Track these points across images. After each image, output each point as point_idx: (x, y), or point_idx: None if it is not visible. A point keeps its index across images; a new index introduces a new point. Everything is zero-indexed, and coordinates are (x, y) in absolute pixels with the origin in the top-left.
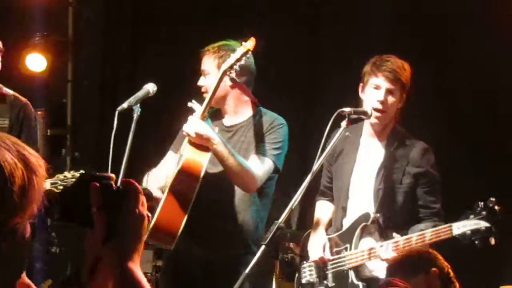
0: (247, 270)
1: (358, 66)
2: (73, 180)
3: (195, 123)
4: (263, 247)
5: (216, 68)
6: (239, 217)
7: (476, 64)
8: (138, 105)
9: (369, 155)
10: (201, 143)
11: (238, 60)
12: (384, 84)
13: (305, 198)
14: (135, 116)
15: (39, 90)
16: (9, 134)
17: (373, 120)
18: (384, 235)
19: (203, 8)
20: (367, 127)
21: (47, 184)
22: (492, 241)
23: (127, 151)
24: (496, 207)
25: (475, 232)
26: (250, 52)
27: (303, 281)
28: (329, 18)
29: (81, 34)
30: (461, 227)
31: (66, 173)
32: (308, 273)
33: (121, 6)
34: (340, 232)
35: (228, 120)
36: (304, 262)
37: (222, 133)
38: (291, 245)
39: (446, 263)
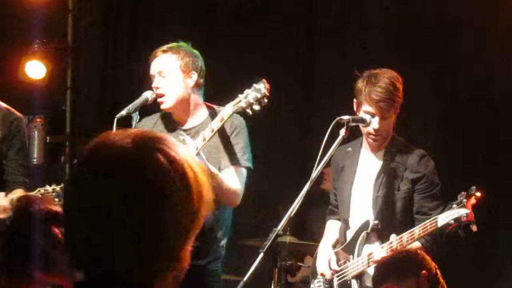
0: (245, 278)
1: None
2: (54, 193)
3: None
4: (261, 254)
5: (179, 70)
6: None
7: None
8: (137, 112)
9: (368, 167)
10: None
11: (254, 103)
12: (378, 112)
13: (303, 206)
14: (134, 123)
15: (38, 97)
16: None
17: (369, 140)
18: (383, 241)
19: (203, 14)
20: (365, 141)
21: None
22: (474, 227)
23: None
24: (476, 193)
25: (457, 220)
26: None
27: None
28: (328, 25)
29: (80, 41)
30: (444, 218)
31: (47, 187)
32: (317, 286)
33: (120, 13)
34: (344, 244)
35: (185, 123)
36: (313, 278)
37: (176, 135)
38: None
39: (433, 264)
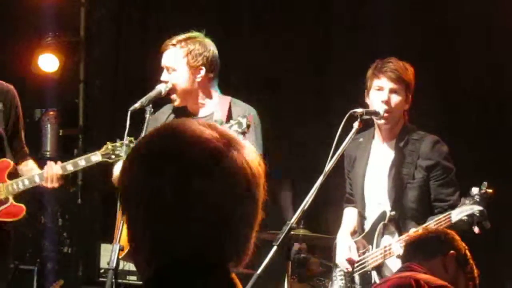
0: (259, 271)
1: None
2: (125, 149)
3: None
4: (275, 247)
5: (186, 66)
6: None
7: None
8: (151, 105)
9: (380, 157)
10: None
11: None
12: (387, 84)
13: (317, 199)
14: (148, 116)
15: (51, 90)
16: (3, 116)
17: (380, 121)
18: (403, 232)
19: (216, 9)
20: (378, 131)
21: (98, 157)
22: (488, 224)
23: None
24: (488, 191)
25: (470, 216)
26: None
27: (335, 287)
28: (340, 24)
29: (93, 34)
30: (458, 214)
31: (116, 143)
32: (339, 279)
33: (133, 6)
34: (363, 234)
35: (197, 112)
36: (336, 269)
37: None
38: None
39: (463, 244)
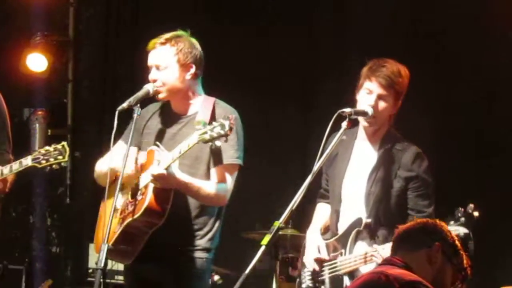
0: (247, 271)
1: (356, 68)
2: (56, 154)
3: (164, 179)
4: (262, 247)
5: (177, 63)
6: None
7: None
8: (138, 105)
9: (361, 158)
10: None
11: (216, 138)
12: (377, 89)
13: (305, 199)
14: (135, 116)
15: (40, 90)
16: None
17: (363, 123)
18: (375, 239)
19: (203, 7)
20: (361, 130)
21: (28, 161)
22: (472, 246)
23: (127, 151)
24: (474, 213)
25: None
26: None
27: (303, 286)
28: (326, 21)
29: (82, 34)
30: None
31: (47, 147)
32: (307, 278)
33: (121, 6)
34: (336, 237)
35: (181, 112)
36: (304, 269)
37: (173, 123)
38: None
39: (452, 235)
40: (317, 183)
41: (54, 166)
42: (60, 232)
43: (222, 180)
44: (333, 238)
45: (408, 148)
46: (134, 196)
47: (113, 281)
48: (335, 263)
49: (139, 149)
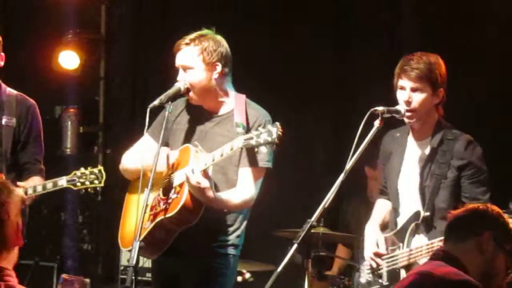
0: (278, 269)
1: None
2: (92, 177)
3: (201, 182)
4: (295, 245)
5: (202, 63)
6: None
7: None
8: (170, 102)
9: (415, 153)
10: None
11: (263, 145)
12: (407, 84)
13: (338, 197)
14: (167, 113)
15: (72, 88)
16: (13, 132)
17: (405, 120)
18: (433, 232)
19: (234, 5)
20: (410, 128)
21: (63, 182)
22: None
23: (159, 148)
24: None
25: None
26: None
27: (362, 280)
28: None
29: (114, 32)
30: None
31: (82, 169)
32: (366, 272)
33: (153, 3)
34: (394, 231)
35: (212, 111)
36: (363, 262)
37: (205, 121)
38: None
39: (504, 218)
40: (349, 181)
41: (89, 189)
42: (91, 230)
43: (249, 183)
44: (392, 232)
45: (460, 137)
46: (166, 193)
47: (144, 278)
48: (393, 256)
49: (167, 144)
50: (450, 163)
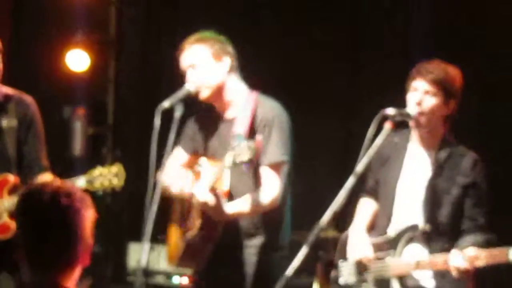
0: (288, 272)
1: (399, 71)
2: (111, 176)
3: (208, 201)
4: (304, 248)
5: (211, 58)
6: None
7: None
8: (179, 104)
9: (416, 163)
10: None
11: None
12: (421, 85)
13: (348, 201)
14: (178, 114)
15: (81, 89)
16: (16, 133)
17: (412, 124)
18: (430, 245)
19: (243, 7)
20: (415, 134)
21: (82, 181)
22: None
23: (168, 150)
24: None
25: None
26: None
27: (341, 281)
28: (370, 26)
29: (123, 33)
30: None
31: (100, 168)
32: (346, 274)
33: (162, 5)
34: (385, 238)
35: (225, 112)
36: (343, 261)
37: (221, 125)
38: None
39: None
40: (358, 184)
41: (107, 189)
42: (100, 232)
43: (269, 181)
44: (381, 239)
45: (467, 154)
46: (190, 212)
47: (154, 281)
48: (383, 264)
49: (197, 154)
50: (455, 180)
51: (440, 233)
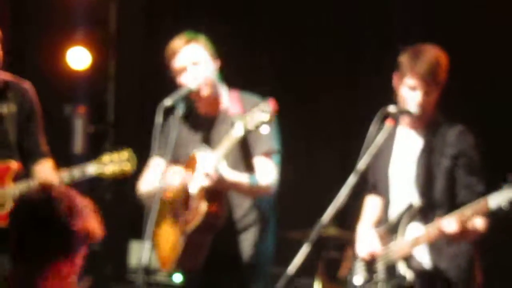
0: (290, 271)
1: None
2: (122, 161)
3: (216, 170)
4: (306, 246)
5: (210, 56)
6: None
7: None
8: (181, 102)
9: (406, 144)
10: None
11: (259, 125)
12: (420, 86)
13: (349, 198)
14: (180, 111)
15: (81, 86)
16: (16, 119)
17: (408, 118)
18: (428, 220)
19: (243, 6)
20: (403, 118)
21: (92, 169)
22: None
23: (170, 148)
24: None
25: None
26: None
27: (358, 282)
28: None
29: (124, 30)
30: (496, 199)
31: (109, 154)
32: (360, 270)
33: (163, 2)
34: (387, 224)
35: (208, 110)
36: (357, 262)
37: (205, 125)
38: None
39: None
40: (360, 182)
41: (118, 176)
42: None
43: (265, 168)
44: (384, 226)
45: (454, 126)
46: (188, 205)
47: (154, 279)
48: (388, 249)
49: (178, 161)
50: (443, 151)
51: (437, 207)
